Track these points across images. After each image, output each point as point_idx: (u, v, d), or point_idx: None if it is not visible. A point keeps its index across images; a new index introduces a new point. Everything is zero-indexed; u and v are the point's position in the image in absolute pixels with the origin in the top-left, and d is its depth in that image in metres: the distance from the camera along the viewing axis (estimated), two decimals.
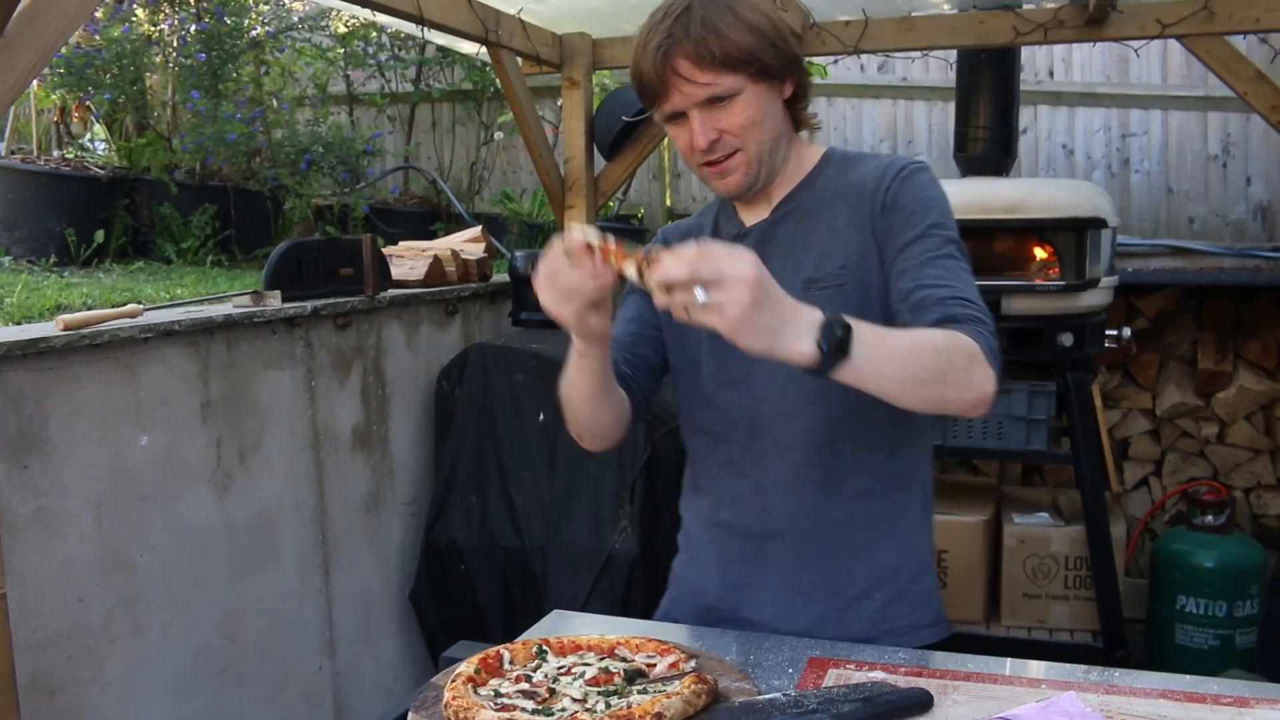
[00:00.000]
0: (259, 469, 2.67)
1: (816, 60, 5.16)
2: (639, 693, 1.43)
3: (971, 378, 1.40)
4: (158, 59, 4.91)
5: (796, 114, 1.68)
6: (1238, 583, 3.86)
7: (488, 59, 5.26)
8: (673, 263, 1.22)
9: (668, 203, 6.34)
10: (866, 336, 1.31)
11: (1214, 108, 5.10)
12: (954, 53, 4.16)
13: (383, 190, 5.92)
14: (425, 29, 3.10)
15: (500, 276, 3.91)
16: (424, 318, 3.36)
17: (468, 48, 4.28)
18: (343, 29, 5.39)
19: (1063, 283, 3.55)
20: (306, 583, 2.84)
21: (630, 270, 1.32)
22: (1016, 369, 3.79)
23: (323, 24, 5.33)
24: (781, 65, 1.59)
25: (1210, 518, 3.95)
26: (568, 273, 1.39)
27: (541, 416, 3.21)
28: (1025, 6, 3.62)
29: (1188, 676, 1.50)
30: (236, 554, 2.60)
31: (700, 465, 1.78)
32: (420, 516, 3.34)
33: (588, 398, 1.72)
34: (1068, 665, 1.55)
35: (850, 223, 1.63)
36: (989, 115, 3.91)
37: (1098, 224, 3.58)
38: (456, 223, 5.94)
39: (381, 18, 3.23)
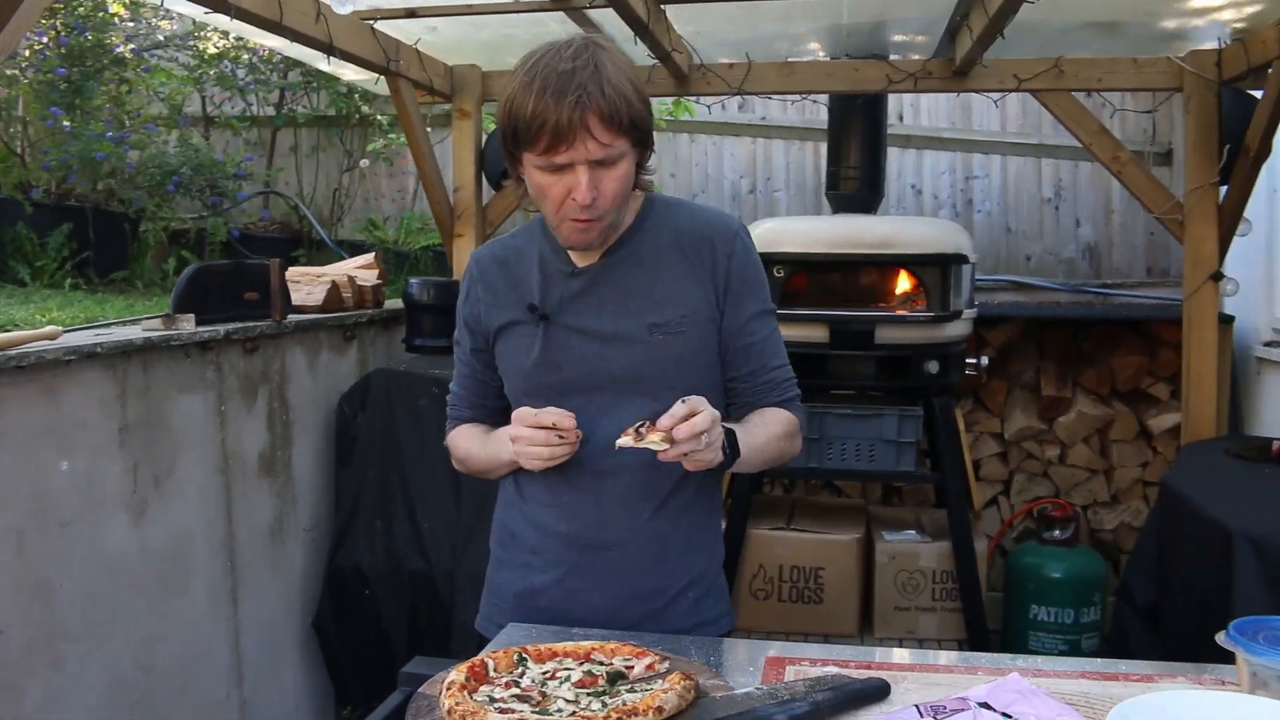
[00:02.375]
0: (173, 495, 2.62)
1: (689, 99, 5.37)
2: (627, 692, 1.51)
3: (794, 447, 1.91)
4: (9, 72, 4.71)
5: (638, 176, 1.77)
6: (1084, 592, 4.19)
7: (360, 86, 5.29)
8: (699, 420, 1.60)
9: None
10: (744, 440, 1.75)
11: (1047, 154, 5.56)
12: (823, 96, 4.42)
13: (250, 215, 5.79)
14: (332, 58, 3.12)
15: (394, 302, 3.91)
16: (324, 343, 3.35)
17: (351, 74, 4.29)
18: (212, 50, 5.28)
19: (930, 314, 3.81)
20: (216, 611, 2.79)
21: (628, 441, 1.63)
22: (886, 395, 4.04)
23: (190, 43, 5.21)
24: (649, 137, 1.73)
25: (1058, 532, 4.28)
26: (554, 450, 1.71)
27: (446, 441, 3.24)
28: (894, 57, 3.91)
29: (1100, 660, 1.68)
30: (151, 582, 2.54)
31: (535, 478, 1.84)
32: (322, 543, 3.31)
33: (494, 472, 1.93)
34: (996, 654, 1.71)
35: (689, 274, 1.79)
36: (859, 156, 4.16)
37: (960, 259, 3.86)
38: (318, 249, 5.87)
39: (291, 46, 3.22)
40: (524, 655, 1.63)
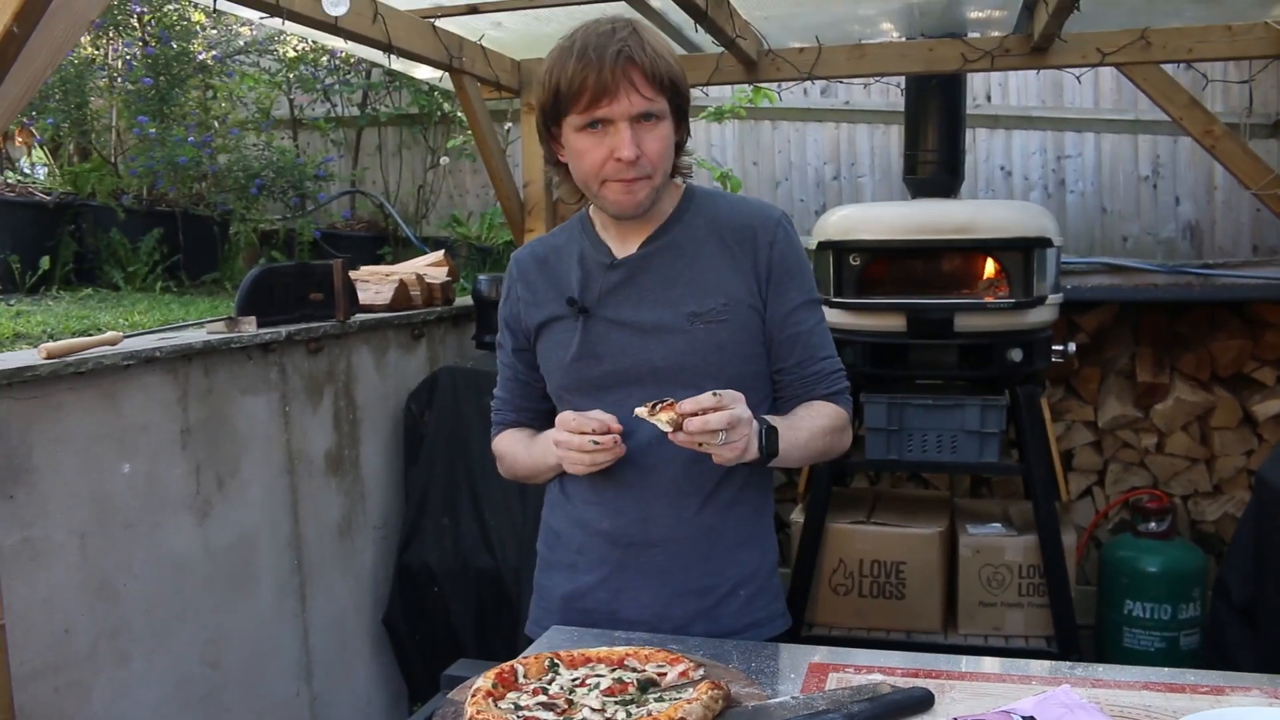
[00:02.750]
0: (237, 495, 2.66)
1: (766, 85, 5.28)
2: (655, 700, 1.47)
3: (843, 442, 1.85)
4: (102, 84, 4.87)
5: (676, 158, 1.78)
6: (1181, 586, 4.00)
7: (436, 84, 5.33)
8: (715, 418, 1.57)
9: None
10: (785, 434, 1.71)
11: (1144, 131, 5.31)
12: (901, 78, 4.29)
13: (334, 214, 5.89)
14: (392, 57, 3.13)
15: (463, 300, 3.93)
16: (391, 342, 3.37)
17: (422, 73, 4.32)
18: (291, 53, 5.38)
19: (1012, 300, 3.67)
20: (283, 608, 2.83)
21: (644, 412, 1.62)
22: (968, 384, 3.91)
23: (270, 48, 5.32)
24: (686, 111, 1.75)
25: (1154, 524, 4.09)
26: (595, 456, 1.69)
27: None
28: (971, 35, 3.76)
29: (1165, 669, 1.58)
30: (216, 581, 2.59)
31: (578, 476, 1.81)
32: (392, 540, 3.34)
33: (539, 477, 1.92)
34: (1053, 662, 1.62)
35: (729, 264, 1.78)
36: (937, 139, 4.03)
37: (1044, 243, 3.71)
38: (404, 247, 5.94)
39: (350, 45, 3.25)
40: (556, 661, 1.60)
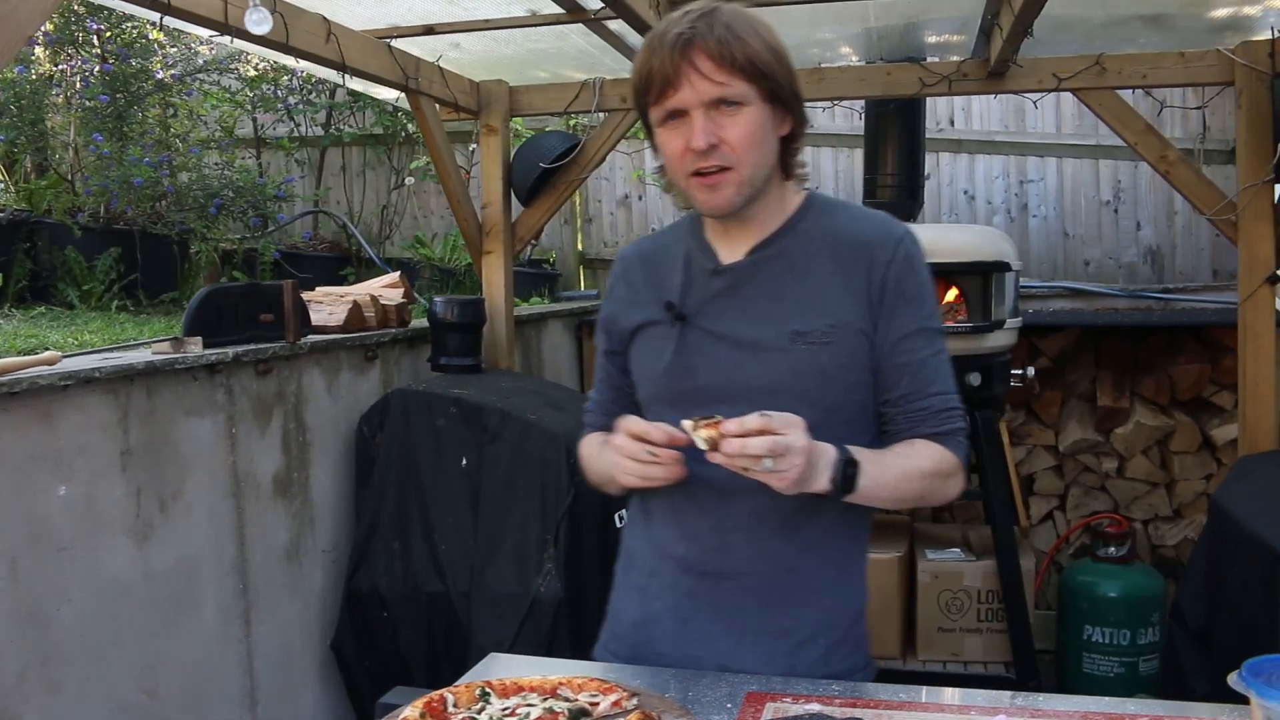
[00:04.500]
0: (179, 518, 2.61)
1: None
2: None
3: (947, 489, 1.67)
4: (59, 100, 4.82)
5: (788, 155, 1.67)
6: (1140, 612, 4.00)
7: (400, 105, 5.31)
8: (754, 443, 1.45)
9: (579, 247, 6.40)
10: (869, 470, 1.56)
11: (1105, 156, 5.36)
12: (860, 102, 4.31)
13: (294, 235, 5.86)
14: (346, 76, 3.11)
15: (419, 321, 3.90)
16: (344, 363, 3.33)
17: (384, 94, 4.30)
18: (252, 72, 5.35)
19: (970, 324, 3.68)
20: (227, 633, 2.78)
21: (688, 425, 1.53)
22: None
23: (231, 67, 5.29)
24: (788, 96, 1.61)
25: (1113, 549, 4.10)
26: (649, 468, 1.57)
27: (465, 461, 3.20)
28: (929, 59, 3.78)
29: (1106, 699, 1.56)
30: (156, 605, 2.53)
31: (659, 495, 1.70)
32: (341, 564, 3.29)
33: (609, 486, 1.80)
34: (993, 691, 1.60)
35: (841, 282, 1.64)
36: (896, 163, 4.06)
37: (1002, 267, 3.73)
38: (367, 268, 5.91)
39: (304, 65, 3.23)
40: (488, 690, 1.57)
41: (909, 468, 1.61)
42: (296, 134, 5.95)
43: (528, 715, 1.48)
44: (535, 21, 3.24)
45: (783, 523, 1.65)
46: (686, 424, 1.52)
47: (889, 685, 1.64)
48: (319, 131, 6.01)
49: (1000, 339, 3.79)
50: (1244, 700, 1.37)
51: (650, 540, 1.76)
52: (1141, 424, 4.54)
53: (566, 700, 1.53)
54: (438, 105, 3.76)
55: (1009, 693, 1.59)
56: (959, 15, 3.38)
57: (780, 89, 1.58)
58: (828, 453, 1.52)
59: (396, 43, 3.33)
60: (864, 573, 1.76)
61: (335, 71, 3.06)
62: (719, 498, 1.65)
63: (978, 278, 3.72)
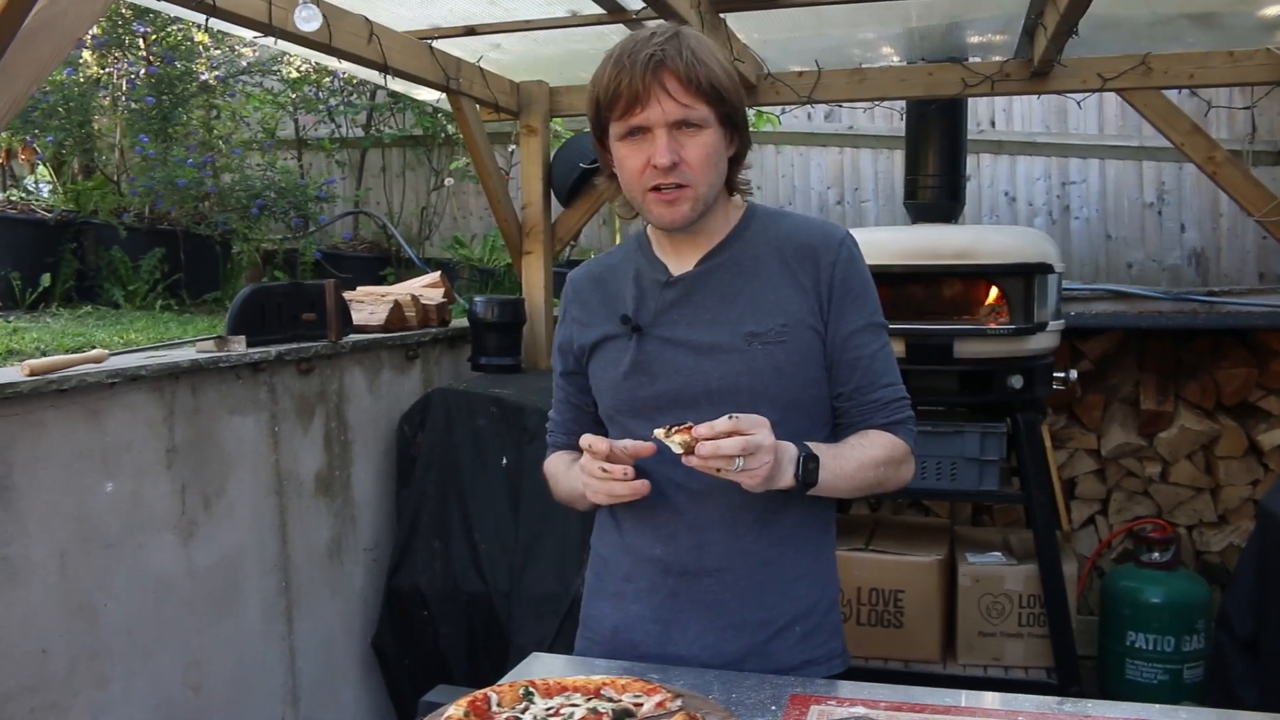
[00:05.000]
0: (223, 516, 2.64)
1: (768, 110, 5.28)
2: None
3: (901, 475, 1.75)
4: (105, 102, 4.89)
5: (733, 173, 1.74)
6: (1185, 618, 3.94)
7: (441, 105, 5.34)
8: (727, 443, 1.50)
9: None
10: (828, 464, 1.63)
11: (1148, 157, 5.29)
12: (901, 102, 4.28)
13: (334, 235, 5.90)
14: (388, 78, 3.13)
15: (459, 321, 3.91)
16: (385, 363, 3.35)
17: (424, 94, 4.33)
18: (294, 74, 5.39)
19: (1012, 326, 3.64)
20: (270, 630, 2.80)
21: (660, 434, 1.57)
22: (968, 411, 3.87)
23: (274, 69, 5.33)
24: (739, 120, 1.68)
25: (1157, 555, 4.04)
26: (610, 485, 1.61)
27: (505, 461, 3.21)
28: (971, 59, 3.75)
29: (1155, 706, 1.54)
30: (200, 602, 2.56)
31: (630, 501, 1.70)
32: (383, 563, 3.31)
33: (578, 504, 1.84)
34: (1039, 697, 1.58)
35: (789, 282, 1.71)
36: (938, 164, 4.01)
37: (1044, 269, 3.68)
38: (407, 268, 5.95)
39: (346, 65, 3.25)
40: (531, 689, 1.57)
41: (864, 458, 1.69)
42: (337, 135, 6.00)
43: (572, 715, 1.48)
44: (576, 22, 3.24)
45: (756, 518, 1.71)
46: (659, 433, 1.57)
47: (933, 689, 1.63)
48: (359, 133, 6.05)
49: (1043, 341, 3.74)
50: None
51: (623, 546, 1.80)
52: (1186, 428, 4.47)
53: (610, 700, 1.53)
54: (478, 106, 3.77)
55: (1054, 699, 1.58)
56: (1002, 15, 3.35)
57: (734, 113, 1.66)
58: (789, 450, 1.58)
59: (438, 44, 3.35)
60: (834, 562, 1.84)
61: (377, 72, 3.07)
62: (691, 498, 1.70)
63: (1020, 280, 3.67)
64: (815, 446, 1.62)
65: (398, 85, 3.65)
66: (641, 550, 1.76)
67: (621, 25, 3.38)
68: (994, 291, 3.78)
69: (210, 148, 4.99)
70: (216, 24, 2.56)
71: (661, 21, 1.69)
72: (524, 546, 3.14)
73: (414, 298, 3.55)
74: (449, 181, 6.10)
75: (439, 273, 4.04)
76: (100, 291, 4.53)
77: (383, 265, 5.87)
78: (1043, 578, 3.75)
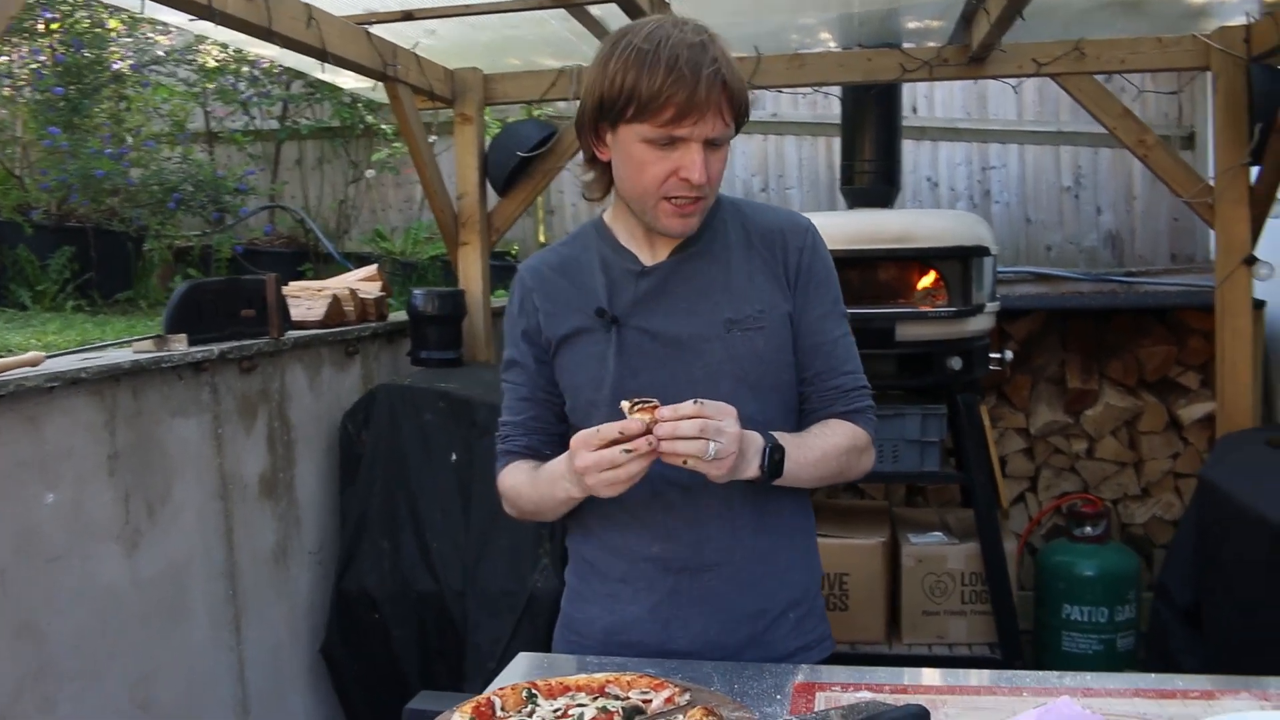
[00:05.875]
0: (168, 523, 2.52)
1: None
2: None
3: (861, 464, 1.75)
4: (5, 92, 4.65)
5: None
6: (1117, 589, 4.05)
7: (360, 95, 5.20)
8: (685, 425, 1.47)
9: (541, 239, 6.34)
10: (793, 454, 1.61)
11: (1066, 142, 5.43)
12: (827, 89, 4.30)
13: (255, 230, 5.72)
14: (328, 65, 3.02)
15: (397, 315, 3.81)
16: (325, 359, 3.25)
17: (350, 83, 4.21)
18: (212, 63, 5.20)
19: (952, 309, 3.69)
20: (218, 640, 2.69)
21: (626, 408, 1.52)
22: (907, 394, 3.92)
23: (189, 58, 5.13)
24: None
25: (1089, 528, 4.14)
26: (630, 467, 1.50)
27: (454, 457, 3.14)
28: (906, 45, 3.78)
29: (1151, 675, 1.57)
30: (148, 614, 2.44)
31: (615, 501, 1.61)
32: (328, 565, 3.21)
33: (548, 514, 1.75)
34: (1042, 672, 1.60)
35: (761, 268, 1.69)
36: (873, 149, 4.05)
37: (981, 252, 3.74)
38: (325, 263, 5.80)
39: (273, 52, 3.13)
40: (534, 691, 1.52)
41: (828, 447, 1.68)
42: (251, 127, 5.81)
43: (580, 716, 1.44)
44: (517, 6, 3.17)
45: (752, 509, 1.70)
46: (625, 405, 1.52)
47: (937, 670, 1.64)
48: (274, 125, 5.87)
49: (980, 323, 3.80)
50: (1255, 661, 1.39)
51: (611, 546, 1.75)
52: (1110, 405, 4.59)
53: (617, 698, 1.49)
54: (413, 93, 3.67)
55: (1056, 673, 1.59)
56: (941, 1, 3.38)
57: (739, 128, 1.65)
58: (755, 440, 1.57)
59: (374, 29, 3.25)
60: (816, 548, 1.85)
61: (315, 60, 2.96)
62: (685, 494, 1.67)
63: (958, 263, 3.73)
64: (780, 436, 1.61)
65: (328, 74, 3.52)
66: (637, 550, 1.72)
67: (563, 10, 3.32)
68: (930, 275, 3.83)
69: (120, 141, 4.78)
70: (153, 8, 2.43)
71: (656, 14, 1.59)
72: (476, 543, 3.07)
73: (352, 292, 3.45)
74: (370, 173, 5.96)
75: (375, 266, 3.94)
76: (5, 293, 4.31)
77: (301, 260, 5.71)
78: (984, 556, 3.82)
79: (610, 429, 1.50)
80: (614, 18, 3.45)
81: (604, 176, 1.70)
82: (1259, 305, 4.08)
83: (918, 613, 3.99)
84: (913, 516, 4.44)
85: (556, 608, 2.97)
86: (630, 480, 1.51)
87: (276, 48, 3.03)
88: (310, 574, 3.14)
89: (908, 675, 1.63)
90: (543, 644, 2.96)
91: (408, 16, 3.20)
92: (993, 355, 3.96)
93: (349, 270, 5.08)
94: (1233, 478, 2.90)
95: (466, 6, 3.18)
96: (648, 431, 1.48)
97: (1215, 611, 2.95)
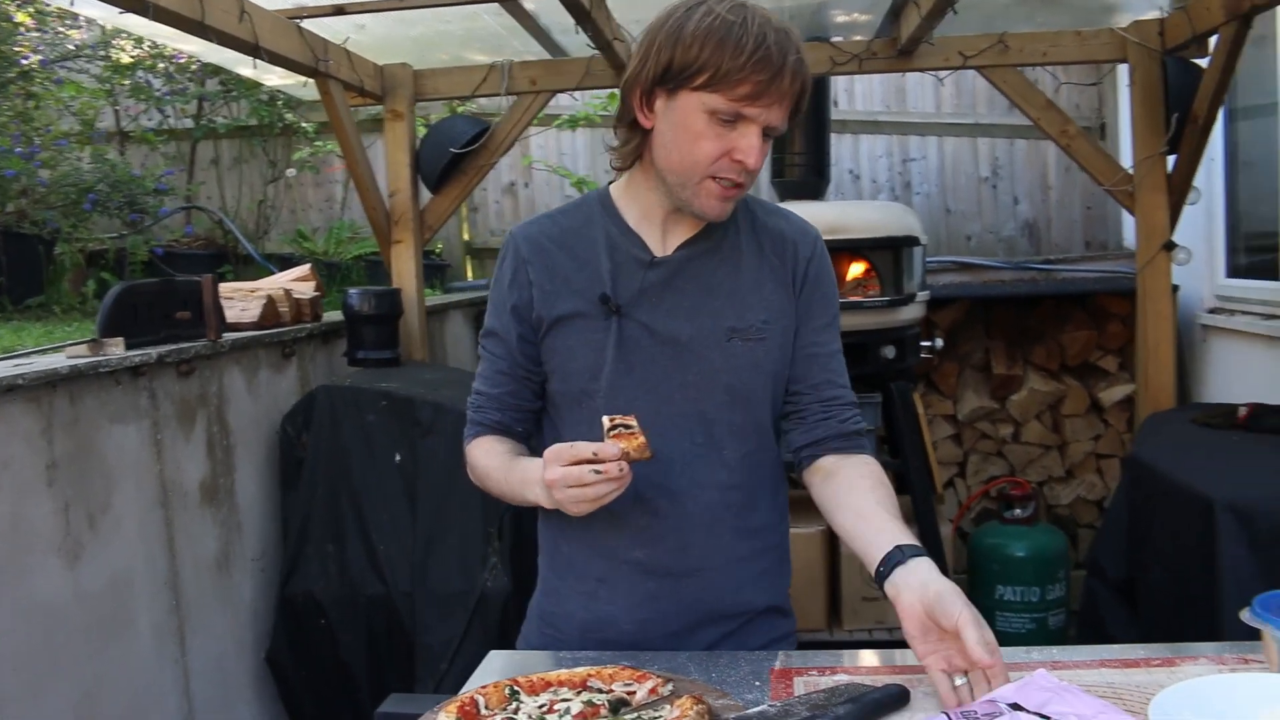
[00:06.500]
0: (109, 533, 2.44)
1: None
2: None
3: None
4: None
5: None
6: (1047, 569, 4.17)
7: (280, 93, 5.10)
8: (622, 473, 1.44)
9: (465, 236, 6.29)
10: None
11: (983, 134, 5.56)
12: None
13: (175, 231, 5.56)
14: (259, 61, 2.95)
15: (332, 315, 3.75)
16: (262, 361, 3.17)
17: (275, 80, 4.12)
18: (126, 59, 5.04)
19: (886, 298, 3.76)
20: (163, 653, 2.61)
21: (606, 425, 1.50)
22: None
23: (102, 53, 4.96)
24: None
25: (1019, 511, 4.26)
26: (598, 488, 1.44)
27: (398, 457, 3.09)
28: (834, 39, 3.83)
29: (1114, 645, 1.61)
30: (90, 628, 2.36)
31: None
32: (270, 572, 3.14)
33: (514, 504, 1.69)
34: (1009, 648, 1.63)
35: (770, 277, 1.66)
36: (804, 142, 4.10)
37: (912, 242, 3.81)
38: (245, 264, 5.68)
39: (196, 48, 3.05)
40: (516, 688, 1.51)
41: (892, 503, 1.61)
42: (165, 125, 5.65)
43: (567, 710, 1.43)
44: (453, 1, 3.13)
45: (733, 516, 1.68)
46: (605, 421, 1.50)
47: (906, 650, 1.67)
48: (189, 123, 5.72)
49: (912, 312, 3.88)
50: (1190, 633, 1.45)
51: (591, 545, 1.71)
52: (1034, 390, 4.72)
53: (600, 691, 1.48)
54: (344, 90, 3.60)
55: (1024, 648, 1.63)
56: None
57: None
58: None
59: (305, 23, 3.18)
60: (789, 550, 1.83)
61: (247, 55, 2.90)
62: (671, 499, 1.65)
63: (889, 252, 3.80)
64: (901, 538, 1.51)
65: (261, 71, 3.44)
66: (618, 553, 1.69)
67: (497, 5, 3.30)
68: (861, 265, 3.89)
69: (29, 140, 4.61)
70: (83, 5, 2.34)
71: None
72: (424, 544, 3.04)
73: (286, 292, 3.38)
74: (290, 173, 5.84)
75: (308, 266, 3.86)
76: None
77: (219, 262, 5.57)
78: (922, 540, 3.85)
79: (584, 449, 1.45)
80: (546, 11, 3.44)
81: (637, 145, 1.62)
82: (1172, 289, 4.24)
83: (857, 599, 4.05)
84: None
85: (507, 606, 2.98)
86: (598, 502, 1.46)
87: (201, 43, 2.96)
88: (253, 581, 3.07)
89: (883, 657, 1.65)
90: (495, 643, 2.94)
91: (339, 11, 3.15)
92: (924, 344, 4.04)
93: (271, 272, 4.98)
94: (1162, 455, 3.00)
95: (400, 0, 3.14)
96: (624, 457, 1.44)
97: (1148, 585, 3.05)
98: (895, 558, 1.48)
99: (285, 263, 5.45)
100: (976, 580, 4.32)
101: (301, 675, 3.07)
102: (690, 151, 1.53)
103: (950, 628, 1.37)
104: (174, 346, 2.68)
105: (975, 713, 1.33)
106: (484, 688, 1.50)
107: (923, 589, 1.42)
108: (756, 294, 1.64)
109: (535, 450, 1.66)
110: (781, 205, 1.79)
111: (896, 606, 1.44)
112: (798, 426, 1.71)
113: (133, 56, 5.10)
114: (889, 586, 1.47)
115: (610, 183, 1.73)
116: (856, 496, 1.62)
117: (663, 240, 1.66)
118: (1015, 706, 1.33)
